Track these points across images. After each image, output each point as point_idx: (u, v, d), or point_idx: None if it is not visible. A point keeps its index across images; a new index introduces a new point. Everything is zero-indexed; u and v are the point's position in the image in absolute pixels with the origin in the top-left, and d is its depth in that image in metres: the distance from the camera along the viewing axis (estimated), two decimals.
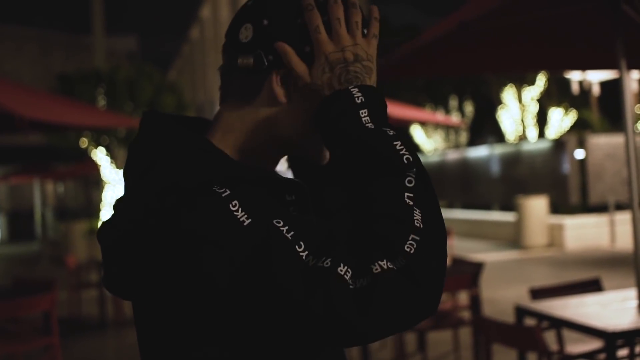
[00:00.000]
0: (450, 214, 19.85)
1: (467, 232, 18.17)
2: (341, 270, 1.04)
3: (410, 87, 28.02)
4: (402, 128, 27.47)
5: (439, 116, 23.75)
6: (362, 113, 1.16)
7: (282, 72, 1.21)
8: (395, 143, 1.13)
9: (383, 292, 1.04)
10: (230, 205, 1.07)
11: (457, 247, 14.15)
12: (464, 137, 28.14)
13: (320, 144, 1.26)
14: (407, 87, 27.88)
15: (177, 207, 1.08)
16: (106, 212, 19.29)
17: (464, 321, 5.88)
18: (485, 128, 28.95)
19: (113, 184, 19.41)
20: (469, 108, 28.10)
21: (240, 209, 1.07)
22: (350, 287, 1.03)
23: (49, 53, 38.33)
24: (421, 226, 1.08)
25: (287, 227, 1.07)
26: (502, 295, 9.36)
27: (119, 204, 1.19)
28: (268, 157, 1.28)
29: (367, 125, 1.15)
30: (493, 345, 4.18)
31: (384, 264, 1.05)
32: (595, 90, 17.99)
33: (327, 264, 1.05)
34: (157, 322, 1.19)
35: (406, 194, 1.11)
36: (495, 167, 19.17)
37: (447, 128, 27.59)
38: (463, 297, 7.47)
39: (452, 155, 22.29)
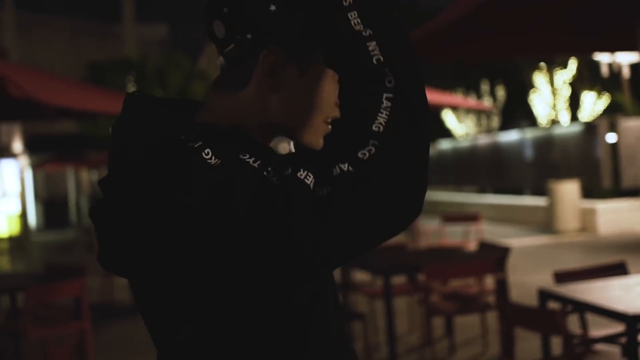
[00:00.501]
0: (482, 199, 19.76)
1: (499, 217, 18.08)
2: (301, 175, 1.06)
3: (442, 72, 27.89)
4: (433, 112, 27.38)
5: (470, 101, 23.61)
6: (351, 15, 1.16)
7: (269, 59, 1.22)
8: (368, 44, 1.14)
9: (341, 195, 1.04)
10: (203, 154, 1.09)
11: (488, 232, 14.09)
12: (495, 121, 27.96)
13: (315, 129, 1.26)
14: (438, 72, 27.75)
15: (155, 164, 1.12)
16: None
17: (491, 306, 5.89)
18: (517, 112, 28.74)
19: None
20: (500, 92, 27.90)
21: (212, 155, 1.09)
22: (310, 189, 1.04)
23: (80, 42, 38.65)
24: (380, 130, 1.09)
25: (253, 158, 1.09)
26: (532, 280, 9.32)
27: (105, 183, 1.22)
28: (258, 127, 1.28)
29: (355, 27, 1.15)
30: (519, 329, 4.18)
31: (344, 167, 1.06)
32: (626, 72, 17.78)
33: (287, 172, 1.06)
34: (157, 292, 1.22)
35: (385, 94, 1.12)
36: (527, 152, 19.03)
37: (479, 113, 27.43)
38: (491, 282, 7.47)
39: (483, 140, 22.15)
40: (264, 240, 1.05)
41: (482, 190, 21.93)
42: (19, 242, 20.24)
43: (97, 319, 7.73)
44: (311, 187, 1.05)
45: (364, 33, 1.15)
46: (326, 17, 1.18)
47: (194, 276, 1.14)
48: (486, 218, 17.57)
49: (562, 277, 4.79)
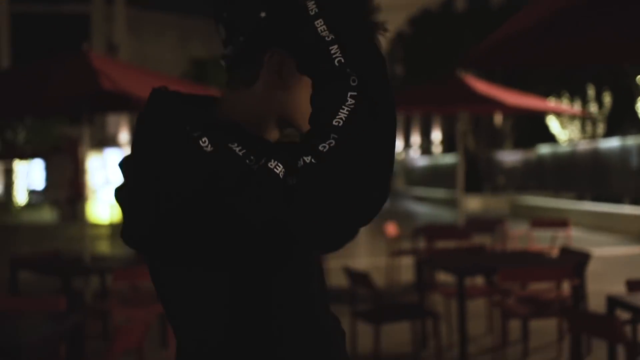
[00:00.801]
0: (579, 206, 19.34)
1: (596, 224, 17.66)
2: (271, 164, 1.20)
3: (545, 78, 27.41)
4: (536, 116, 26.87)
5: (570, 107, 23.11)
6: (317, 23, 1.28)
7: (274, 60, 1.38)
8: (330, 47, 1.26)
9: (304, 184, 1.18)
10: (200, 142, 1.25)
11: (582, 239, 13.83)
12: (601, 128, 27.26)
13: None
14: (541, 78, 27.30)
15: (161, 149, 1.29)
16: None
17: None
18: (624, 119, 27.94)
19: None
20: (607, 99, 27.18)
21: (208, 143, 1.25)
22: (280, 178, 1.19)
23: (188, 38, 39.67)
24: (341, 125, 1.21)
25: (239, 147, 1.25)
26: (617, 290, 9.14)
27: (122, 165, 1.40)
28: (263, 133, 1.44)
29: (321, 34, 1.27)
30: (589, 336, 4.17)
31: (307, 159, 1.19)
32: None
33: (262, 162, 1.21)
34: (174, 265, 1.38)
35: (349, 92, 1.24)
36: (630, 159, 18.53)
37: (584, 119, 26.80)
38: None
39: (584, 146, 21.67)
40: (240, 219, 1.21)
41: (581, 197, 21.46)
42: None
43: None
44: (280, 176, 1.19)
45: (327, 38, 1.26)
46: (293, 24, 1.31)
47: (191, 247, 1.30)
48: (583, 225, 17.19)
49: (635, 285, 4.75)
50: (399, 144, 39.39)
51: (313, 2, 1.28)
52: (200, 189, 1.22)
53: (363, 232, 19.53)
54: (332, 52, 1.25)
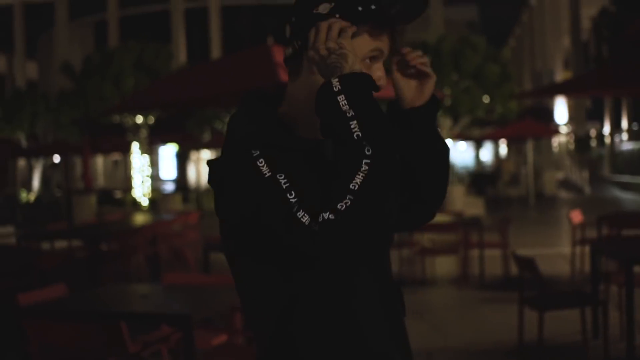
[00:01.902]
0: None
1: None
2: (300, 214, 1.51)
3: None
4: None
5: None
6: (339, 98, 1.55)
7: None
8: (350, 123, 1.53)
9: (324, 233, 1.48)
10: (258, 162, 1.55)
11: None
12: None
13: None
14: None
15: (229, 164, 1.62)
16: None
17: None
18: None
19: None
20: None
21: (265, 165, 1.55)
22: (306, 226, 1.49)
23: None
24: (356, 188, 1.49)
25: (285, 180, 1.54)
26: None
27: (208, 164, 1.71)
28: (314, 120, 1.67)
29: (342, 108, 1.54)
30: None
31: (326, 215, 1.48)
32: None
33: (295, 210, 1.51)
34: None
35: (364, 160, 1.51)
36: None
37: None
38: None
39: None
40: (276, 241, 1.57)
41: None
42: None
43: None
44: (306, 224, 1.50)
45: (347, 114, 1.53)
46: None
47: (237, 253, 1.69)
48: None
49: None
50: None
51: (337, 79, 1.55)
52: (253, 211, 1.55)
53: (548, 220, 19.05)
54: (352, 127, 1.53)
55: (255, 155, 1.56)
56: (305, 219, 1.49)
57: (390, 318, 1.74)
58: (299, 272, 1.62)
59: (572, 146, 35.14)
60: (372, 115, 1.54)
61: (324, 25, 1.60)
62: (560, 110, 33.49)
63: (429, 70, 1.79)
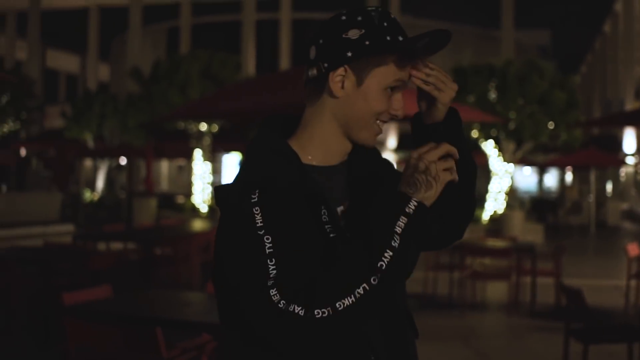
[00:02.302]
0: None
1: None
2: (273, 294, 1.50)
3: None
4: None
5: None
6: (401, 219, 1.53)
7: (336, 74, 1.68)
8: (386, 251, 1.50)
9: (289, 324, 1.49)
10: (254, 210, 1.55)
11: None
12: None
13: (369, 127, 1.71)
14: None
15: (229, 200, 1.61)
16: (491, 202, 19.86)
17: None
18: None
19: (500, 176, 19.89)
20: None
21: (260, 214, 1.54)
22: (275, 305, 1.49)
23: (459, 46, 39.83)
24: (340, 308, 1.48)
25: (270, 242, 1.52)
26: None
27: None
28: (336, 145, 1.72)
29: (396, 229, 1.52)
30: None
31: (299, 310, 1.48)
32: None
33: (269, 284, 1.50)
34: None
35: (364, 284, 1.49)
36: None
37: None
38: None
39: None
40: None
41: None
42: None
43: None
44: (277, 303, 1.48)
45: (393, 243, 1.52)
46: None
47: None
48: None
49: None
50: None
51: (415, 204, 1.55)
52: (232, 260, 1.56)
53: (607, 251, 18.66)
54: (385, 254, 1.51)
55: (253, 200, 1.55)
56: (276, 299, 1.48)
57: (394, 345, 1.72)
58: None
59: (639, 177, 34.41)
60: (409, 257, 1.54)
61: (433, 146, 1.61)
62: (629, 140, 32.83)
63: (427, 87, 1.76)
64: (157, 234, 10.36)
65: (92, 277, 7.17)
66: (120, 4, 40.60)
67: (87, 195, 26.72)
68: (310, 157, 1.72)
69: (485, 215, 19.73)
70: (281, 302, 1.47)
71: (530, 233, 18.74)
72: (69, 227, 18.28)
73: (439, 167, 1.58)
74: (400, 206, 1.53)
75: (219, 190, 1.64)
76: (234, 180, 1.66)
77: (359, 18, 1.68)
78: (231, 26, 39.78)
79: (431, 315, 9.11)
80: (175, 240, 9.94)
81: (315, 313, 1.46)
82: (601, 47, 45.01)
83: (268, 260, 1.50)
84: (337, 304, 1.47)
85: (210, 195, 21.28)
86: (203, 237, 10.55)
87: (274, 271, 1.49)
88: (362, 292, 1.48)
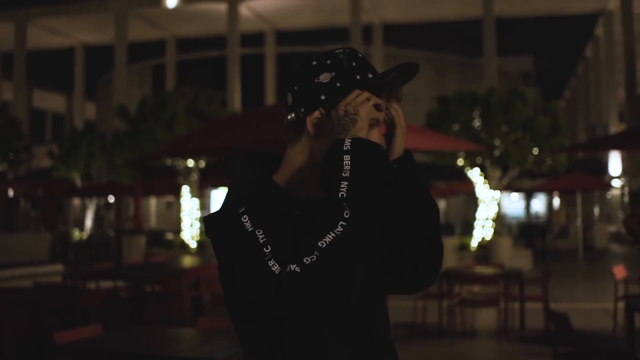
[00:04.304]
0: None
1: None
2: (271, 263, 1.59)
3: None
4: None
5: None
6: (345, 157, 1.64)
7: (313, 117, 1.78)
8: (342, 182, 1.61)
9: (288, 284, 1.56)
10: (242, 218, 1.66)
11: None
12: None
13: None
14: None
15: (219, 221, 1.72)
16: (479, 229, 19.97)
17: None
18: None
19: (487, 203, 20.01)
20: None
21: (249, 220, 1.65)
22: (275, 274, 1.57)
23: (443, 74, 40.18)
24: (324, 246, 1.57)
25: (263, 235, 1.63)
26: None
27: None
28: (310, 181, 1.82)
29: (344, 167, 1.63)
30: None
31: (293, 267, 1.57)
32: None
33: (267, 259, 1.60)
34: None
35: (340, 221, 1.59)
36: None
37: None
38: None
39: None
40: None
41: None
42: None
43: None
44: (276, 272, 1.58)
45: (343, 173, 1.63)
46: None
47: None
48: None
49: None
50: None
51: (349, 140, 1.66)
52: (233, 264, 1.65)
53: (594, 274, 18.75)
54: (341, 186, 1.62)
55: (240, 212, 1.66)
56: (276, 268, 1.57)
57: None
58: (273, 330, 1.71)
59: (626, 199, 34.64)
60: (365, 182, 1.63)
61: (355, 91, 1.73)
62: (614, 163, 33.11)
63: (376, 118, 1.83)
64: (146, 271, 10.38)
65: (82, 316, 7.20)
66: (105, 43, 40.83)
67: (76, 234, 26.65)
68: (290, 192, 1.81)
69: (474, 243, 19.81)
70: (279, 270, 1.57)
71: (519, 259, 18.84)
72: (58, 267, 18.26)
73: (356, 103, 1.71)
74: (338, 149, 1.65)
75: (207, 218, 1.74)
76: (220, 207, 1.75)
77: (329, 61, 1.79)
78: (216, 62, 40.06)
79: (422, 343, 9.16)
80: (165, 277, 9.97)
81: (305, 260, 1.56)
82: (584, 72, 45.47)
83: (264, 248, 1.60)
84: (319, 243, 1.56)
85: (199, 231, 21.31)
86: (193, 272, 10.58)
87: (269, 252, 1.60)
88: (340, 229, 1.57)
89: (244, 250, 1.62)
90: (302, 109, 1.79)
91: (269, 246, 1.61)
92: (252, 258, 1.61)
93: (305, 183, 1.82)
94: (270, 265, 1.58)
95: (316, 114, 1.77)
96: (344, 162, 1.63)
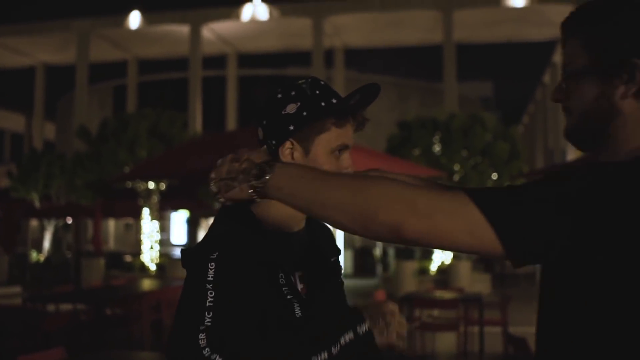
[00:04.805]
0: None
1: None
2: (200, 338, 1.62)
3: None
4: None
5: None
6: (349, 332, 1.71)
7: (285, 148, 1.85)
8: (324, 351, 1.68)
9: None
10: (209, 266, 1.69)
11: None
12: None
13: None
14: None
15: (191, 258, 1.77)
16: (438, 253, 20.14)
17: None
18: None
19: None
20: None
21: (213, 271, 1.68)
22: (200, 350, 1.60)
23: (405, 99, 40.54)
24: None
25: (212, 298, 1.66)
26: None
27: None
28: (293, 212, 1.77)
29: (340, 339, 1.69)
30: None
31: (216, 358, 1.60)
32: None
33: (200, 329, 1.63)
34: None
35: None
36: None
37: None
38: None
39: None
40: None
41: None
42: None
43: None
44: (202, 348, 1.60)
45: (333, 347, 1.67)
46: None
47: None
48: None
49: None
50: None
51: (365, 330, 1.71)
52: (178, 309, 1.70)
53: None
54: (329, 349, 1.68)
55: (212, 257, 1.69)
56: (203, 344, 1.59)
57: None
58: None
59: None
60: None
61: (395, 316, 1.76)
62: None
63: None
64: (107, 294, 10.33)
65: (43, 339, 7.15)
66: (66, 63, 40.57)
67: (34, 256, 26.33)
68: (271, 224, 1.84)
69: (433, 267, 19.98)
70: (206, 349, 1.58)
71: (478, 283, 19.01)
72: (17, 289, 18.03)
73: (395, 321, 1.74)
74: (354, 322, 1.69)
75: (183, 252, 1.77)
76: (198, 244, 1.78)
77: (293, 93, 1.86)
78: (178, 83, 40.02)
79: None
80: (126, 300, 9.93)
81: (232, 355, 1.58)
82: (542, 98, 46.21)
83: (206, 313, 1.62)
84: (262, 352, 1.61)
85: (158, 253, 21.20)
86: (153, 296, 10.54)
87: (209, 322, 1.61)
88: None
89: (189, 306, 1.66)
90: (274, 141, 1.85)
91: (211, 313, 1.63)
92: (190, 319, 1.64)
93: (284, 214, 1.85)
94: (200, 339, 1.61)
95: (287, 144, 1.83)
96: (345, 335, 1.68)
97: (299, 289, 1.81)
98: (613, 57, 1.48)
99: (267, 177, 1.55)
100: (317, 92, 1.84)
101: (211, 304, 1.62)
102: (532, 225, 1.33)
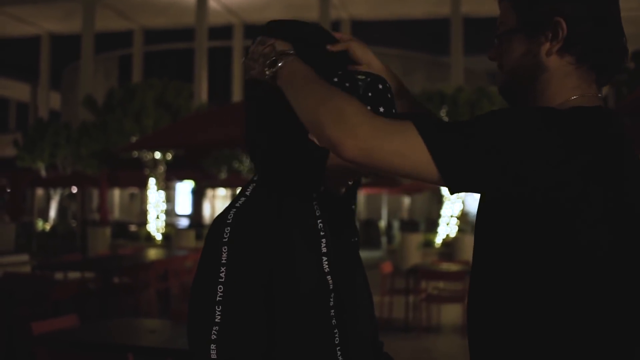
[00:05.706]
0: None
1: None
2: (212, 349, 1.53)
3: None
4: None
5: None
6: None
7: None
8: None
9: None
10: (225, 230, 1.58)
11: None
12: None
13: (340, 179, 1.71)
14: None
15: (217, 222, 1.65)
16: (443, 226, 20.21)
17: None
18: None
19: (451, 200, 20.24)
20: None
21: (228, 234, 1.57)
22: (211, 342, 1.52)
23: (411, 72, 40.42)
24: None
25: (223, 273, 1.55)
26: None
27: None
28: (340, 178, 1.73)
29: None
30: None
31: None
32: None
33: (211, 338, 1.53)
34: None
35: None
36: None
37: None
38: None
39: None
40: None
41: None
42: None
43: None
44: (212, 341, 1.53)
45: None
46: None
47: None
48: None
49: None
50: None
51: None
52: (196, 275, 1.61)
53: None
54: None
55: (228, 221, 1.58)
56: (213, 356, 1.51)
57: None
58: None
59: None
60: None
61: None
62: None
63: None
64: (114, 263, 10.40)
65: (53, 307, 7.22)
66: (72, 32, 40.47)
67: (40, 224, 26.48)
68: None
69: (438, 240, 20.04)
70: (214, 349, 1.50)
71: None
72: (24, 257, 18.14)
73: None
74: None
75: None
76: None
77: (347, 84, 1.63)
78: (184, 54, 39.92)
79: (388, 338, 9.22)
80: (133, 269, 10.00)
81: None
82: None
83: (216, 308, 1.52)
84: None
85: (164, 223, 21.31)
86: (160, 265, 10.62)
87: (218, 318, 1.52)
88: None
89: (202, 278, 1.58)
90: None
91: (222, 287, 1.54)
92: (200, 321, 1.55)
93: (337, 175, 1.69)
94: (212, 349, 1.52)
95: None
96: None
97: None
98: (537, 16, 1.58)
99: (279, 65, 1.57)
100: (370, 94, 1.60)
101: (222, 279, 1.53)
102: (469, 152, 1.39)
